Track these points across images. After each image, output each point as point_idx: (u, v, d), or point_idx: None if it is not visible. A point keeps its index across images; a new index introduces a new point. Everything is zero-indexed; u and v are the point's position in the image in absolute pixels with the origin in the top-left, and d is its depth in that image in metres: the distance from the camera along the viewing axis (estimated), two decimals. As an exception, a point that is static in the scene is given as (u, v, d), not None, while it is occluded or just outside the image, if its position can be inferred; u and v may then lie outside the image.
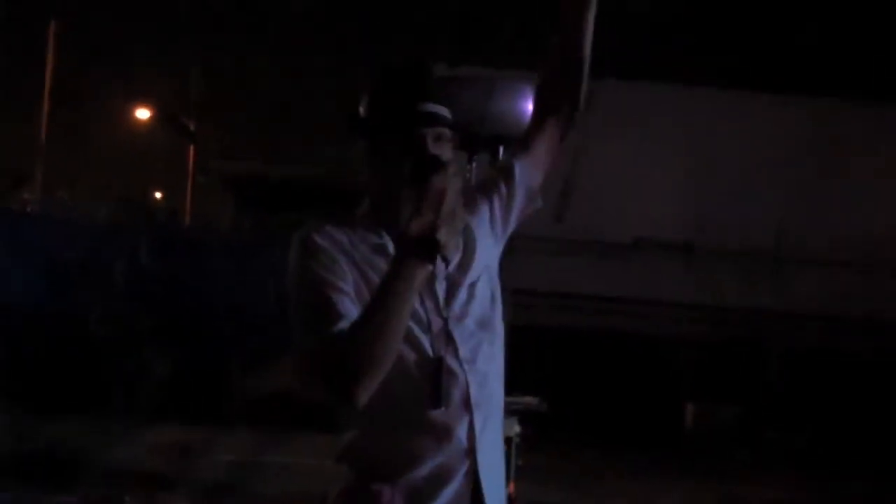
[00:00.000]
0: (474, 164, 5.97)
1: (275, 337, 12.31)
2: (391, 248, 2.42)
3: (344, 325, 2.26)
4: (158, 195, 32.21)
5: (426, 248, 2.26)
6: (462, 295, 2.48)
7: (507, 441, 6.45)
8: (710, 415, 12.99)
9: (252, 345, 12.37)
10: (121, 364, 12.30)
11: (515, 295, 11.15)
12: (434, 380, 2.36)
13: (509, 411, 6.32)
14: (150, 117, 30.80)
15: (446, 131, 2.47)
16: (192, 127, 25.90)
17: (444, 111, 2.49)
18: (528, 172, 2.70)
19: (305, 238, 2.42)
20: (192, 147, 26.61)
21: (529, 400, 6.69)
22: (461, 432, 2.38)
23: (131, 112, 31.05)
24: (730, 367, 13.66)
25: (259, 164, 19.58)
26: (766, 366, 13.80)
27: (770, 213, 14.01)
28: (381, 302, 2.25)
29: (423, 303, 2.39)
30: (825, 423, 12.97)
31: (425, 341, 2.38)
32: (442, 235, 2.25)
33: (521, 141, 2.77)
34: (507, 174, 2.69)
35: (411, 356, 2.35)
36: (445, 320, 2.42)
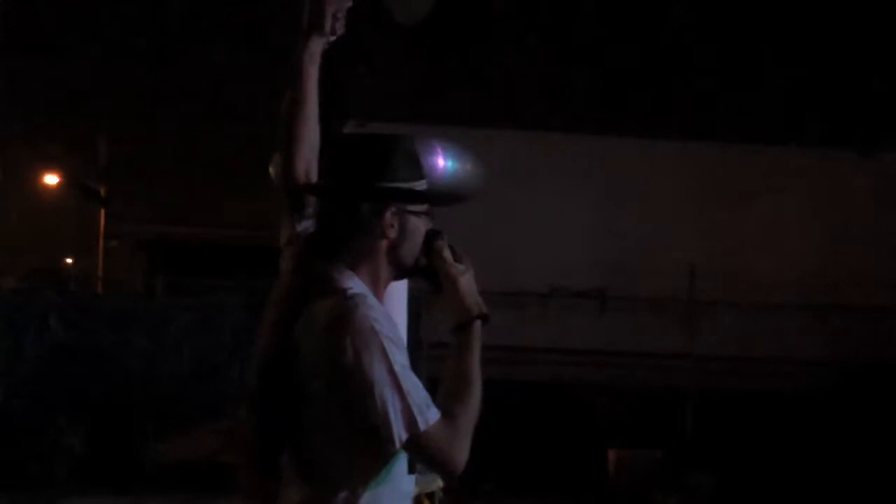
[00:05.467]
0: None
1: (190, 402, 12.21)
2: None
3: (434, 409, 2.35)
4: (69, 261, 31.73)
5: (485, 319, 2.54)
6: None
7: (430, 496, 6.43)
8: (632, 460, 13.04)
9: (167, 410, 12.21)
10: (34, 437, 12.06)
11: (433, 349, 11.14)
12: None
13: (431, 466, 6.30)
14: (58, 183, 30.43)
15: None
16: (101, 191, 25.63)
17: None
18: None
19: (363, 317, 2.35)
20: (102, 212, 26.30)
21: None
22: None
23: (39, 179, 30.65)
24: (648, 412, 13.75)
25: (170, 227, 19.44)
26: (682, 409, 13.92)
27: (680, 257, 14.18)
28: (474, 376, 2.45)
29: None
30: (743, 462, 13.09)
31: None
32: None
33: None
34: None
35: None
36: None
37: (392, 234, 2.47)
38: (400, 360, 2.33)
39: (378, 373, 2.29)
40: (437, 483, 6.29)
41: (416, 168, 2.54)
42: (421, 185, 2.53)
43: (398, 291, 2.75)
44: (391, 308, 2.67)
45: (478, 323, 2.50)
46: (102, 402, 12.39)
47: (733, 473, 12.83)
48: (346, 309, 2.34)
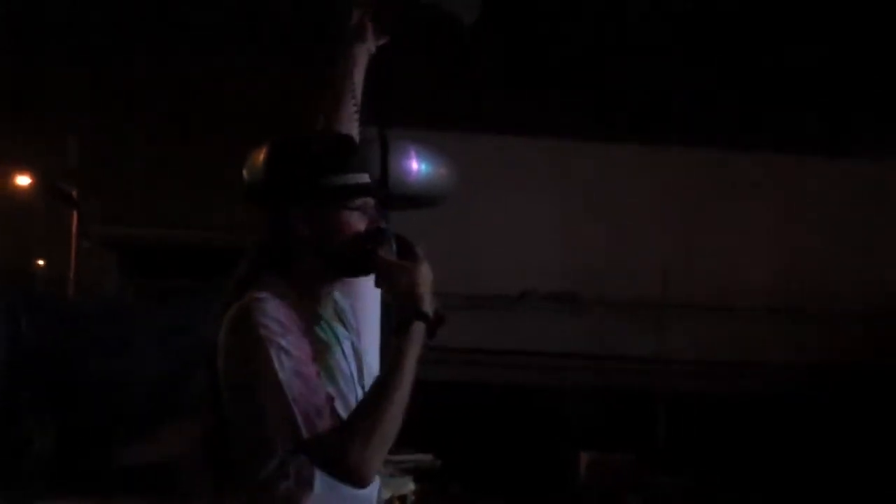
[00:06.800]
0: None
1: (160, 404, 12.17)
2: (325, 316, 2.49)
3: (331, 415, 2.30)
4: (41, 262, 31.55)
5: (436, 322, 2.39)
6: (363, 364, 2.57)
7: (402, 499, 6.43)
8: (603, 463, 13.06)
9: (136, 413, 12.16)
10: (1, 438, 11.99)
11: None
12: None
13: (403, 469, 6.30)
14: (30, 184, 30.26)
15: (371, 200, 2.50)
16: (73, 193, 25.48)
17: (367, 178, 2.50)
18: None
19: (254, 324, 2.33)
20: (74, 213, 26.14)
21: (422, 457, 6.68)
22: (374, 496, 2.51)
23: (10, 179, 30.45)
24: (620, 415, 13.78)
25: (142, 229, 19.34)
26: (653, 412, 13.96)
27: (653, 261, 14.23)
28: (396, 383, 2.31)
29: (354, 380, 2.49)
30: (715, 465, 13.13)
31: None
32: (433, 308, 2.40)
33: None
34: None
35: None
36: (364, 389, 2.49)
37: (304, 232, 2.42)
38: (292, 367, 2.27)
39: (261, 381, 2.27)
40: (409, 486, 6.30)
41: (333, 164, 2.44)
42: (336, 181, 2.43)
43: (371, 292, 2.73)
44: (363, 309, 2.67)
45: (417, 325, 2.37)
46: (72, 404, 12.32)
47: (705, 477, 12.88)
48: (239, 316, 2.34)
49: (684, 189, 15.05)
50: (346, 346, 2.51)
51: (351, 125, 2.77)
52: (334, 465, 2.29)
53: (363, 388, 2.48)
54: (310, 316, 2.43)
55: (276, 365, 2.26)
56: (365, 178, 2.47)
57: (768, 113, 16.42)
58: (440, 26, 3.01)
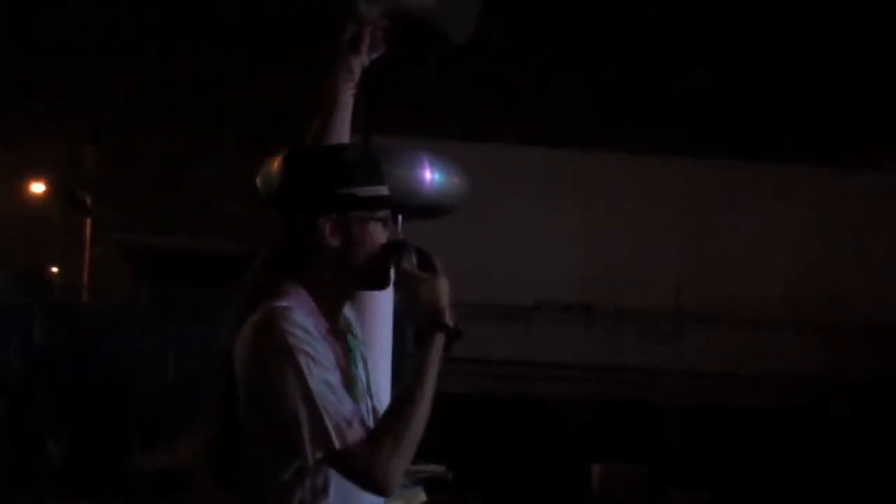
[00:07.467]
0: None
1: (173, 411, 12.17)
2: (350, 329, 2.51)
3: (359, 424, 2.30)
4: (55, 269, 31.68)
5: (455, 335, 2.41)
6: (371, 372, 2.57)
7: (413, 509, 6.41)
8: (616, 475, 13.03)
9: (150, 420, 12.17)
10: (16, 443, 12.02)
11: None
12: None
13: (415, 480, 6.28)
14: (45, 192, 30.44)
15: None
16: (87, 200, 25.58)
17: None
18: None
19: (281, 333, 2.32)
20: (88, 220, 26.25)
21: (435, 468, 6.65)
22: None
23: (25, 186, 30.63)
24: (633, 427, 13.75)
25: (156, 237, 19.40)
26: (667, 424, 13.92)
27: (667, 272, 14.20)
28: (419, 393, 2.33)
29: (365, 388, 2.48)
30: (728, 478, 13.10)
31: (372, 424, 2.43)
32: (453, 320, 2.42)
33: None
34: None
35: None
36: (371, 398, 2.51)
37: (333, 242, 2.42)
38: (320, 375, 2.28)
39: (290, 390, 2.26)
40: (421, 497, 6.27)
41: (362, 175, 2.45)
42: (366, 192, 2.44)
43: (380, 302, 2.72)
44: (372, 318, 2.67)
45: (437, 336, 2.40)
46: (85, 410, 12.35)
47: (718, 489, 12.84)
48: (264, 324, 2.33)
49: (698, 199, 15.02)
50: (358, 355, 2.51)
51: (343, 135, 2.77)
52: (361, 475, 2.30)
53: (371, 396, 2.49)
54: (331, 326, 2.44)
55: (306, 373, 2.27)
56: (386, 189, 2.49)
57: (784, 123, 16.42)
58: (432, 43, 3.02)
